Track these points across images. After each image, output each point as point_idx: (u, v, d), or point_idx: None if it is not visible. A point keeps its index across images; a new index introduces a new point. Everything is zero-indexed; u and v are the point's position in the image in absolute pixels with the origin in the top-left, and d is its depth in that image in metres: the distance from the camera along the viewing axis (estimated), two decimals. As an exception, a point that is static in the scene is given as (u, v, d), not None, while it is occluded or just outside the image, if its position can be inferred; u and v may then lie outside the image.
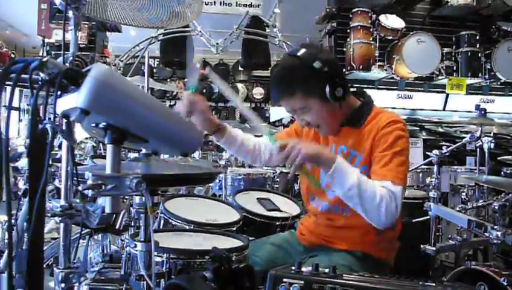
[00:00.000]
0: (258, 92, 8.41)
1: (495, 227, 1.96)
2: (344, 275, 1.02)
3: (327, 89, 1.48)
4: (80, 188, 0.79)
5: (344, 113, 1.59)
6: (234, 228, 1.92)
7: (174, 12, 1.44)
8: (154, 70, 8.07)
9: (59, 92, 0.80)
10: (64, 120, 0.91)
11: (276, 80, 1.59)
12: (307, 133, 1.75)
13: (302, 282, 0.96)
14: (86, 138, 3.94)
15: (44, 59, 0.72)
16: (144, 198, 1.19)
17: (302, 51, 1.52)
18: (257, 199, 2.38)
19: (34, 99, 0.74)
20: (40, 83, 0.79)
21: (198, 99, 1.62)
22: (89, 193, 0.80)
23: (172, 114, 0.88)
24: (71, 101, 0.77)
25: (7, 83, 0.77)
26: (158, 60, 6.93)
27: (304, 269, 1.03)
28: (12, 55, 7.49)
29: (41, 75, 0.81)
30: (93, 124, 0.84)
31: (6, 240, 1.69)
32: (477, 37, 4.88)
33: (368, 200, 1.37)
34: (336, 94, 1.49)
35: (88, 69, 0.75)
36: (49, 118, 0.77)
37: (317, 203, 1.70)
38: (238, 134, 1.82)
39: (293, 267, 1.03)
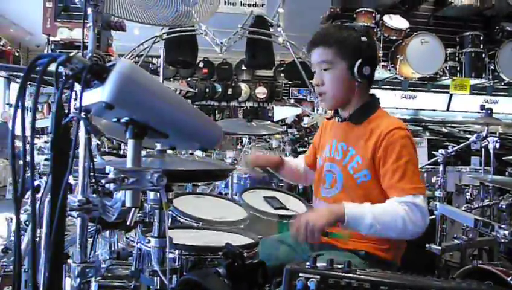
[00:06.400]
0: (261, 91, 8.41)
1: (502, 226, 1.96)
2: (358, 270, 1.03)
3: (359, 61, 1.54)
4: (103, 181, 0.80)
5: (353, 101, 1.63)
6: (242, 226, 1.94)
7: (181, 12, 1.45)
8: (158, 69, 8.07)
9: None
10: (83, 114, 0.92)
11: (324, 29, 1.71)
12: (318, 142, 1.85)
13: (319, 277, 0.98)
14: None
15: (71, 54, 0.73)
16: (158, 194, 1.20)
17: (360, 26, 1.61)
18: (264, 197, 2.39)
19: (59, 94, 0.75)
20: (63, 78, 0.80)
21: (253, 159, 1.90)
22: (111, 186, 0.81)
23: (193, 109, 0.89)
24: (95, 95, 0.78)
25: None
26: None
27: (318, 264, 1.04)
28: (16, 54, 7.50)
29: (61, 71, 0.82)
30: (115, 119, 0.85)
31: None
32: (481, 38, 4.89)
33: (392, 227, 1.42)
34: (363, 71, 1.55)
35: (113, 64, 0.76)
36: (75, 112, 0.78)
37: (317, 204, 1.75)
38: (291, 163, 1.99)
39: (308, 263, 1.04)
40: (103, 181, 0.80)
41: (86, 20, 1.03)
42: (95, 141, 4.17)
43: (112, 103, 0.73)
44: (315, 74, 1.66)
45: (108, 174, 0.84)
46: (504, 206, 2.17)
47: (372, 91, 1.71)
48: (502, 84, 5.00)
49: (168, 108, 0.81)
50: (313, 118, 4.80)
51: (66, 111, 0.83)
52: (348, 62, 1.56)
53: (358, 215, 1.41)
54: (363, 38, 1.56)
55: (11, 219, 2.32)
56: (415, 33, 4.79)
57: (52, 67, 0.79)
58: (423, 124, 4.97)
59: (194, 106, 8.41)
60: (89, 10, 1.04)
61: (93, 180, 1.00)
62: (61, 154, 0.81)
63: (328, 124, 1.80)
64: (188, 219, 1.86)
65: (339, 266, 1.05)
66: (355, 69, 1.54)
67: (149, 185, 0.85)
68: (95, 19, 1.04)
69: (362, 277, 0.98)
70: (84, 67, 0.75)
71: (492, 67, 4.85)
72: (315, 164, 1.86)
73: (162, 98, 0.80)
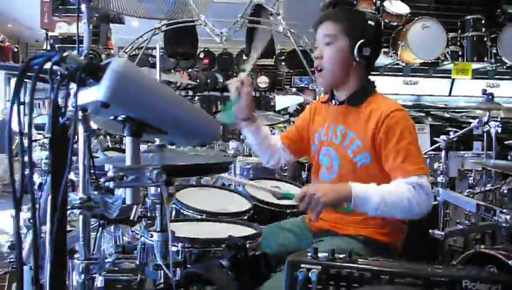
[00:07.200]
0: (263, 80, 8.37)
1: (504, 211, 1.97)
2: (359, 259, 1.04)
3: (361, 40, 1.57)
4: (102, 180, 0.81)
5: (350, 82, 1.63)
6: (245, 217, 1.95)
7: (181, 4, 1.45)
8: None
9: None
10: (81, 113, 0.92)
11: (336, 8, 1.76)
12: (308, 124, 1.81)
13: (320, 267, 0.99)
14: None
15: (65, 54, 0.73)
16: (159, 189, 1.21)
17: (369, 12, 1.67)
18: (267, 187, 2.40)
19: (55, 93, 0.75)
20: (58, 77, 0.80)
21: (248, 82, 1.68)
22: (110, 184, 0.82)
23: (191, 105, 0.89)
24: (90, 94, 0.78)
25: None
26: (162, 50, 6.91)
27: (320, 254, 1.05)
28: (15, 49, 7.49)
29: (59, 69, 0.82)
30: (112, 117, 0.85)
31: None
32: (483, 21, 4.82)
33: (398, 208, 1.44)
34: (363, 51, 1.57)
35: (107, 63, 0.76)
36: (72, 112, 0.78)
37: None
38: (264, 130, 1.87)
39: (309, 253, 1.05)
40: (102, 180, 0.81)
41: (80, 15, 1.03)
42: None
43: (108, 101, 0.74)
44: (316, 49, 1.67)
45: (107, 172, 0.85)
46: (506, 191, 2.17)
47: (374, 78, 1.71)
48: (504, 67, 4.95)
49: (165, 105, 0.81)
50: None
51: (64, 110, 0.83)
52: (350, 40, 1.59)
53: (365, 195, 1.42)
54: (370, 22, 1.60)
55: (12, 215, 2.33)
56: (416, 18, 4.72)
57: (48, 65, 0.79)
58: (425, 109, 4.95)
59: (196, 97, 8.38)
60: (83, 7, 1.03)
61: (93, 178, 1.01)
62: (61, 153, 0.82)
63: (320, 107, 1.79)
64: (192, 211, 1.88)
65: (341, 256, 1.06)
66: (356, 48, 1.57)
67: (149, 182, 0.86)
68: (89, 15, 1.04)
69: (363, 266, 0.99)
70: (78, 66, 0.75)
71: (495, 51, 4.79)
72: (295, 146, 1.86)
73: (158, 95, 0.80)
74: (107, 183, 0.82)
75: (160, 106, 0.81)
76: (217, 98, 8.43)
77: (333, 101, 1.70)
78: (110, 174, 0.82)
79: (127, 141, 0.86)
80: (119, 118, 0.83)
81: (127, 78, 0.75)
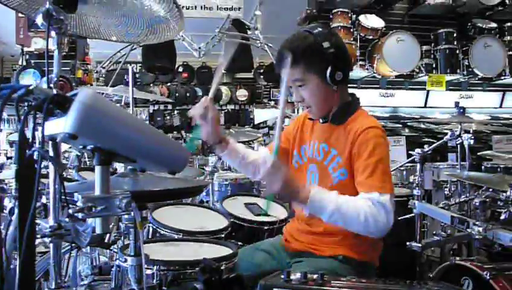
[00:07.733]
0: (242, 93, 8.41)
1: (476, 223, 2.01)
2: (332, 281, 1.05)
3: (328, 69, 1.54)
4: (70, 211, 0.80)
5: (336, 103, 1.63)
6: (223, 235, 1.95)
7: (152, 28, 1.45)
8: (137, 75, 8.02)
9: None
10: (51, 142, 0.92)
11: (284, 47, 1.62)
12: (294, 135, 1.80)
13: (292, 291, 0.99)
14: (70, 147, 3.90)
15: (31, 87, 0.73)
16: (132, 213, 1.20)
17: (317, 29, 1.58)
18: (244, 204, 2.40)
19: (22, 125, 0.75)
20: (26, 107, 0.80)
21: (212, 107, 1.67)
22: (79, 215, 0.81)
23: (158, 134, 0.90)
24: (58, 125, 0.78)
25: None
26: (140, 65, 6.89)
27: (292, 277, 1.05)
28: (-9, 65, 7.37)
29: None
30: (81, 146, 0.85)
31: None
32: (455, 35, 4.97)
33: (352, 219, 1.41)
34: (335, 77, 1.55)
35: (74, 94, 0.76)
36: (39, 145, 0.77)
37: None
38: (240, 149, 1.85)
39: (282, 276, 1.06)
40: (70, 211, 0.80)
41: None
42: (74, 153, 4.09)
43: (75, 133, 0.74)
44: (292, 88, 1.65)
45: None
46: (478, 203, 2.22)
47: (351, 91, 1.71)
48: (476, 79, 5.09)
49: (133, 135, 0.82)
50: (293, 119, 4.83)
51: (32, 141, 0.83)
52: (318, 74, 1.56)
53: (323, 201, 1.41)
54: (325, 44, 1.54)
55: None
56: (391, 32, 4.84)
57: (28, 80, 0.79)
58: (402, 121, 5.04)
59: (175, 110, 8.32)
60: (53, 33, 1.03)
61: (65, 204, 1.00)
62: (28, 184, 0.81)
63: (307, 121, 1.78)
64: (169, 231, 1.86)
65: (314, 277, 1.07)
66: (328, 79, 1.55)
67: (118, 211, 0.85)
68: (59, 41, 1.03)
69: (335, 288, 1.00)
70: (45, 98, 0.75)
71: (467, 63, 4.93)
72: (283, 152, 1.82)
73: (126, 125, 0.81)
74: (76, 214, 0.81)
75: (128, 136, 0.81)
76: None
77: (320, 120, 1.70)
78: (79, 204, 0.81)
79: (96, 170, 0.85)
80: (88, 148, 0.83)
81: (94, 110, 0.75)
